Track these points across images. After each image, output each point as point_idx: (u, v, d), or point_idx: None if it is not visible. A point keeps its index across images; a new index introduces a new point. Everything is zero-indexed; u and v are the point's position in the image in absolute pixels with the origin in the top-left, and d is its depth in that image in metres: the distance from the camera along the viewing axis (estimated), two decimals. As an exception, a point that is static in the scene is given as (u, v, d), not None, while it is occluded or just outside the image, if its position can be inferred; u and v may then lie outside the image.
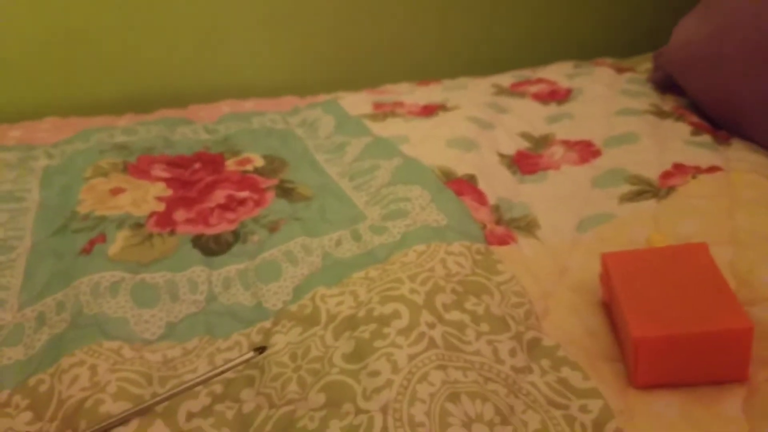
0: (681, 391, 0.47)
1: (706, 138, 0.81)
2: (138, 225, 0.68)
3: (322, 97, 1.08)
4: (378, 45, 1.30)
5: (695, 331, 0.45)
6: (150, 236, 0.66)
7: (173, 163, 0.81)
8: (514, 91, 1.04)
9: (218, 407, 0.46)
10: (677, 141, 0.80)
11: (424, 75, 1.36)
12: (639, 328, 0.46)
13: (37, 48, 1.10)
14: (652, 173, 0.72)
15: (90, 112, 1.17)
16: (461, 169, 0.76)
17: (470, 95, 1.02)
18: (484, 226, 0.65)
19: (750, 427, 0.44)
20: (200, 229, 0.68)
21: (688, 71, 0.91)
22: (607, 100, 0.95)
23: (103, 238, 0.65)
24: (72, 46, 1.11)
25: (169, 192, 0.75)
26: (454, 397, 0.43)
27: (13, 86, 1.12)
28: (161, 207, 0.71)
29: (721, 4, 0.89)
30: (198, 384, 0.45)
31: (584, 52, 1.45)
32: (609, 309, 0.55)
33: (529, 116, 0.94)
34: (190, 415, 0.46)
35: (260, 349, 0.49)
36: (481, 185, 0.73)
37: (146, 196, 0.73)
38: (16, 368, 0.51)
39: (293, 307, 0.55)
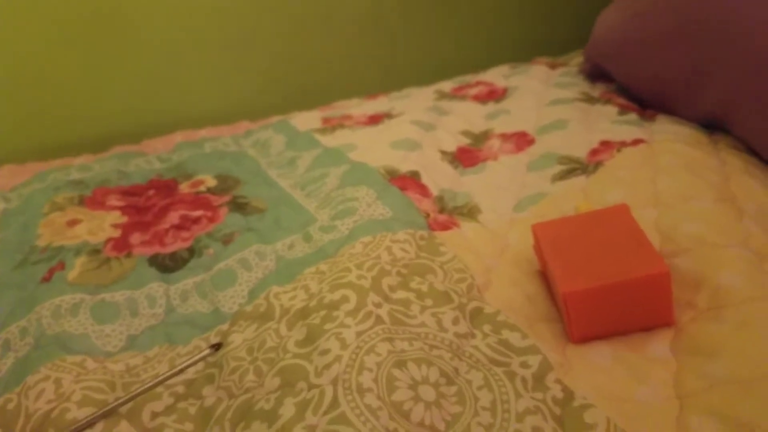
0: (614, 340, 0.51)
1: (632, 116, 0.87)
2: (95, 251, 0.69)
3: (274, 119, 1.11)
4: (328, 66, 1.34)
5: (617, 281, 0.49)
6: (107, 260, 0.68)
7: (128, 193, 0.83)
8: (455, 94, 1.09)
9: (181, 405, 0.48)
10: (605, 122, 0.85)
11: (373, 91, 1.41)
12: (567, 284, 0.50)
13: (-13, 98, 1.11)
14: (581, 152, 0.77)
15: (47, 156, 1.19)
16: (405, 167, 0.79)
17: (414, 102, 1.07)
18: (427, 215, 0.69)
19: (678, 365, 0.48)
20: (156, 249, 0.70)
21: (613, 58, 0.97)
22: (540, 94, 1.00)
23: (62, 265, 0.66)
24: (26, 93, 1.13)
25: (125, 219, 0.77)
26: (400, 364, 0.45)
27: (-34, 138, 1.13)
28: (117, 233, 0.73)
29: (635, -4, 0.96)
30: (159, 383, 0.47)
31: (522, 54, 1.52)
32: (544, 276, 0.58)
33: (469, 116, 0.99)
34: (154, 415, 0.48)
35: (216, 346, 0.51)
36: (425, 180, 0.77)
37: (102, 225, 0.75)
38: (-18, 395, 0.52)
39: (248, 308, 0.57)
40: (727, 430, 0.41)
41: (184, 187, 0.84)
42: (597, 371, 0.48)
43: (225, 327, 0.57)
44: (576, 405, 0.44)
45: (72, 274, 0.65)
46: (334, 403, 0.42)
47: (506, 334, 0.50)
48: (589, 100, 0.94)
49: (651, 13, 0.89)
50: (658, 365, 0.48)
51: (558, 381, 0.46)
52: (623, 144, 0.77)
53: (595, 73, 1.07)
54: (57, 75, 1.14)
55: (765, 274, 0.52)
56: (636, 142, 0.77)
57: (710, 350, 0.47)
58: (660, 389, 0.45)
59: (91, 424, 0.45)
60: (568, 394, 0.45)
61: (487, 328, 0.51)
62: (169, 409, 0.48)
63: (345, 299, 0.52)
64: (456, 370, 0.47)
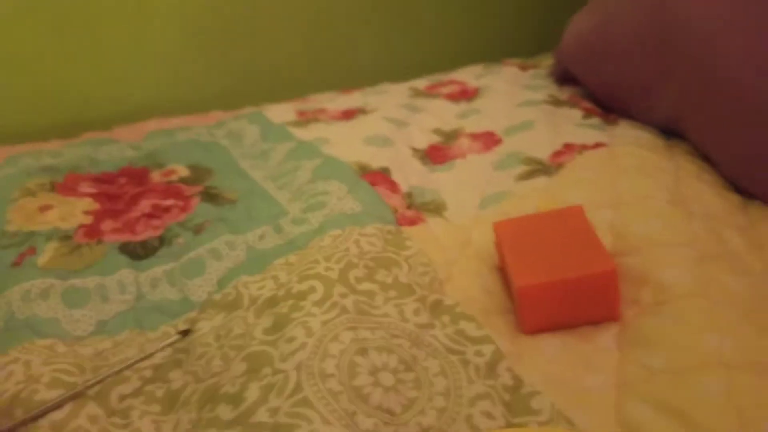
0: (564, 332, 0.54)
1: (595, 120, 0.90)
2: (66, 237, 0.70)
3: (247, 110, 1.12)
4: (302, 59, 1.35)
5: (568, 277, 0.52)
6: (78, 246, 0.69)
7: (99, 180, 0.84)
8: (429, 92, 1.11)
9: (149, 388, 0.50)
10: (569, 125, 0.88)
11: (347, 85, 1.43)
12: (521, 279, 0.53)
13: (-44, 80, 1.10)
14: (545, 154, 0.80)
15: (15, 140, 1.18)
16: (376, 163, 0.82)
17: (388, 99, 1.09)
18: (395, 211, 0.71)
19: (620, 355, 0.51)
20: (127, 237, 0.71)
21: (580, 63, 1.01)
22: (510, 95, 1.03)
23: (33, 250, 0.67)
24: (-7, 77, 1.12)
25: (96, 206, 0.77)
26: (362, 351, 0.48)
27: (-67, 120, 1.11)
28: (89, 220, 0.74)
29: (604, 3, 0.99)
30: (128, 367, 0.49)
31: (495, 54, 1.55)
32: (503, 271, 0.61)
33: (441, 114, 1.01)
34: (123, 397, 0.49)
35: (185, 332, 0.53)
36: (395, 176, 0.79)
37: (74, 211, 0.76)
38: (-49, 376, 0.53)
39: (217, 297, 0.59)
40: (661, 416, 0.44)
41: (156, 176, 0.85)
42: (545, 361, 0.51)
43: (194, 314, 0.59)
44: (524, 392, 0.47)
45: (42, 260, 0.65)
46: (298, 387, 0.44)
47: (463, 324, 0.53)
48: (556, 103, 0.98)
49: (614, 21, 0.92)
50: (603, 356, 0.51)
51: (509, 369, 0.49)
52: (585, 147, 0.80)
53: (563, 77, 1.10)
54: (26, 59, 1.13)
55: (705, 272, 0.55)
56: (597, 145, 0.80)
57: (651, 342, 0.50)
58: (603, 378, 0.49)
59: (59, 405, 0.46)
60: (518, 382, 0.48)
61: (445, 318, 0.54)
62: (136, 392, 0.50)
63: (312, 290, 0.54)
64: (414, 357, 0.50)
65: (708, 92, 0.73)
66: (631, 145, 0.80)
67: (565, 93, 1.04)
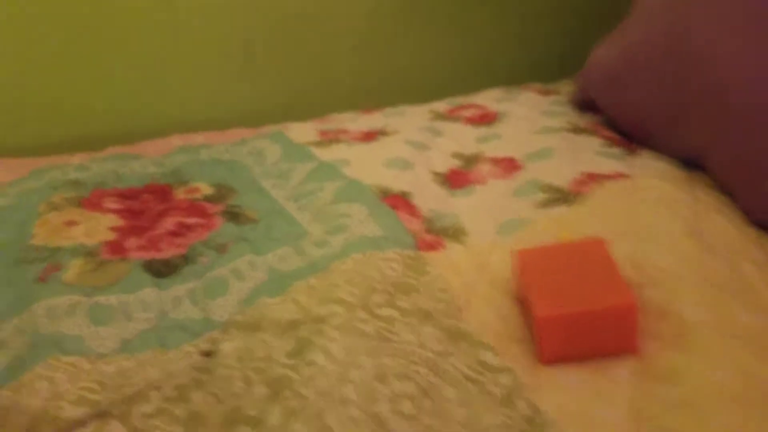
0: (581, 363, 0.54)
1: (615, 150, 0.90)
2: (91, 253, 0.72)
3: (270, 128, 1.14)
4: (324, 78, 1.37)
5: (587, 309, 0.52)
6: (103, 263, 0.70)
7: (124, 196, 0.86)
8: (449, 116, 1.12)
9: (170, 407, 0.51)
10: (589, 153, 0.89)
11: (367, 104, 1.44)
12: (541, 309, 0.53)
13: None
14: (564, 182, 0.81)
15: (40, 152, 1.20)
16: (397, 187, 0.83)
17: (408, 121, 1.10)
18: (415, 235, 0.72)
19: (638, 389, 0.51)
20: (151, 255, 0.72)
21: (603, 91, 1.01)
22: (530, 121, 1.04)
23: (58, 266, 0.69)
24: (18, 89, 1.15)
25: (121, 222, 0.79)
26: (382, 378, 0.48)
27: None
28: (113, 236, 0.76)
29: (629, 31, 1.00)
30: (150, 386, 0.50)
31: (515, 77, 1.56)
32: (521, 298, 0.62)
33: (461, 138, 1.02)
34: (145, 416, 0.50)
35: (207, 354, 0.54)
36: (415, 200, 0.80)
37: (98, 227, 0.77)
38: (-22, 389, 0.54)
39: (239, 317, 0.60)
40: (680, 454, 0.44)
41: (180, 193, 0.86)
42: (562, 391, 0.51)
43: (216, 334, 0.60)
44: (541, 422, 0.47)
45: (68, 276, 0.67)
46: (319, 412, 0.45)
47: (481, 353, 0.53)
48: (576, 130, 0.98)
49: (638, 50, 0.93)
50: (619, 389, 0.51)
51: (526, 399, 0.50)
52: (605, 177, 0.80)
53: (585, 104, 1.11)
54: (52, 73, 1.16)
55: (723, 307, 0.55)
56: (617, 175, 0.80)
57: (669, 377, 0.50)
58: (618, 411, 0.49)
59: (83, 422, 0.47)
60: (535, 412, 0.48)
61: (464, 346, 0.54)
62: (158, 411, 0.51)
63: (333, 314, 0.55)
64: (433, 385, 0.50)
65: (729, 127, 0.73)
66: (652, 177, 0.80)
67: (584, 120, 1.04)
